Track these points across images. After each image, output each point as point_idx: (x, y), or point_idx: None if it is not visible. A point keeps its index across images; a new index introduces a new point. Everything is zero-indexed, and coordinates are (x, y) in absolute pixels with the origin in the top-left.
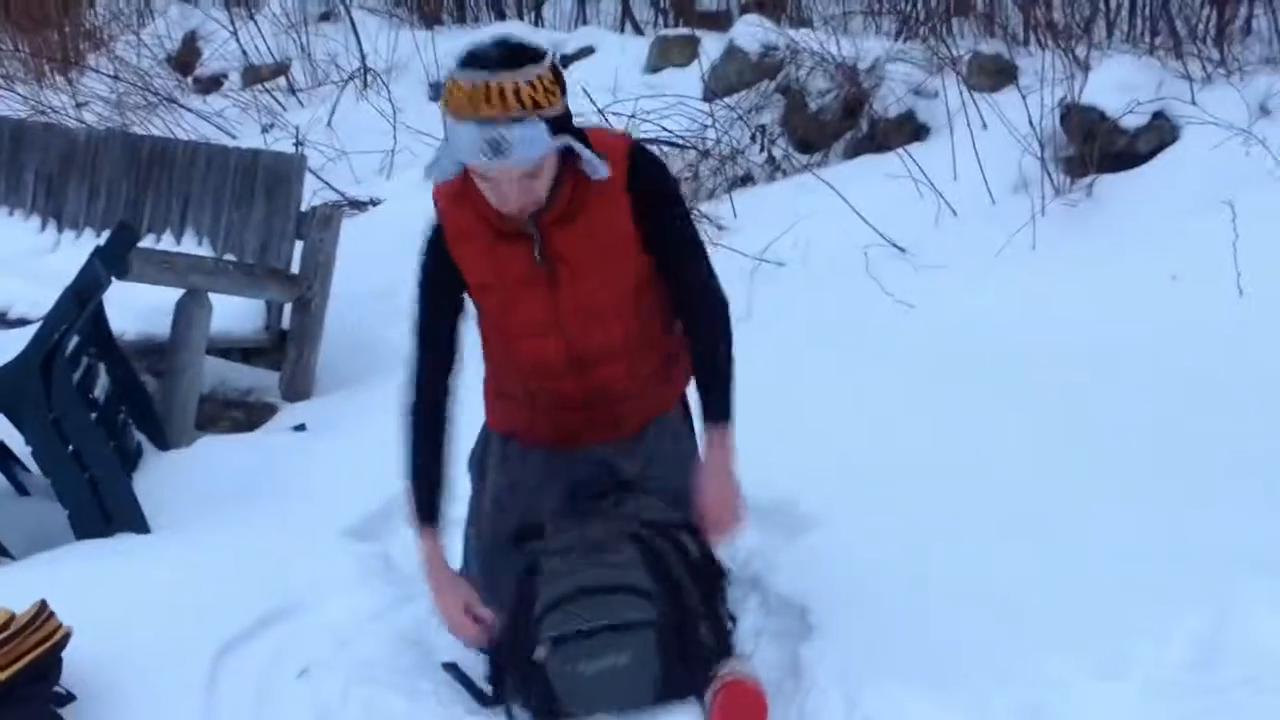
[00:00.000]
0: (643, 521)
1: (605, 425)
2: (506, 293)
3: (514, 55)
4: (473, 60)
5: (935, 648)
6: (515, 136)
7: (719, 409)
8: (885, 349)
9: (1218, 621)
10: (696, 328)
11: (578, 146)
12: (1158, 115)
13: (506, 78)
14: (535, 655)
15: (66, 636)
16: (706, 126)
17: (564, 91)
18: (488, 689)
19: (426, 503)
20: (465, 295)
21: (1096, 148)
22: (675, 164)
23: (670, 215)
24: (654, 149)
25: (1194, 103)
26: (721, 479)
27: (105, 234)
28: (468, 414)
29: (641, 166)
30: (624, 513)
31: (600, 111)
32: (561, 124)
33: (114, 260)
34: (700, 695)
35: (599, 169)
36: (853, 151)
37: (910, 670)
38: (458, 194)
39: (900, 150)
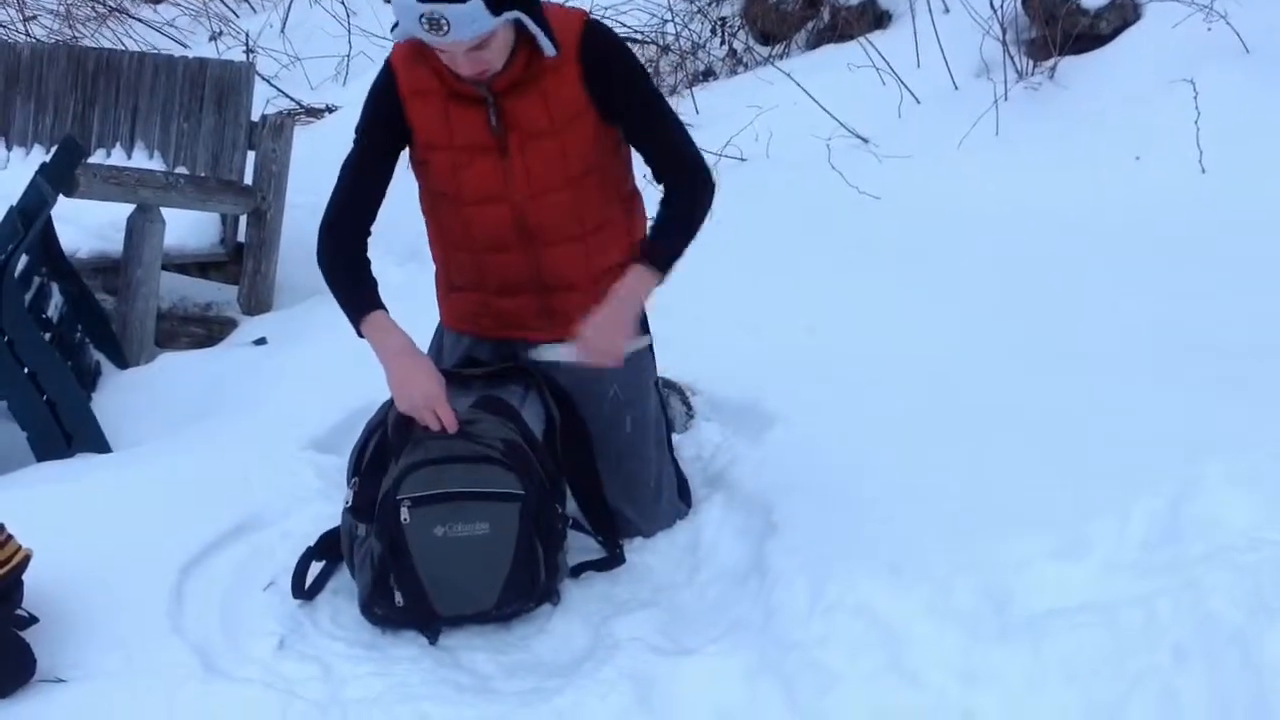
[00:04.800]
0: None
1: (556, 319)
2: (457, 155)
3: None
4: None
5: (897, 536)
6: (453, 16)
7: (656, 253)
8: (850, 242)
9: (1176, 499)
10: (671, 191)
11: (527, 22)
12: None
13: None
14: (400, 518)
15: (27, 559)
16: (666, 21)
17: None
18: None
19: (372, 293)
20: (402, 150)
21: (1059, 29)
22: None
23: (627, 85)
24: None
25: None
26: (617, 309)
27: (54, 150)
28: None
29: (593, 39)
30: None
31: None
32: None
33: (59, 177)
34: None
35: (548, 47)
36: (814, 42)
37: (873, 560)
38: (416, 51)
39: (862, 39)
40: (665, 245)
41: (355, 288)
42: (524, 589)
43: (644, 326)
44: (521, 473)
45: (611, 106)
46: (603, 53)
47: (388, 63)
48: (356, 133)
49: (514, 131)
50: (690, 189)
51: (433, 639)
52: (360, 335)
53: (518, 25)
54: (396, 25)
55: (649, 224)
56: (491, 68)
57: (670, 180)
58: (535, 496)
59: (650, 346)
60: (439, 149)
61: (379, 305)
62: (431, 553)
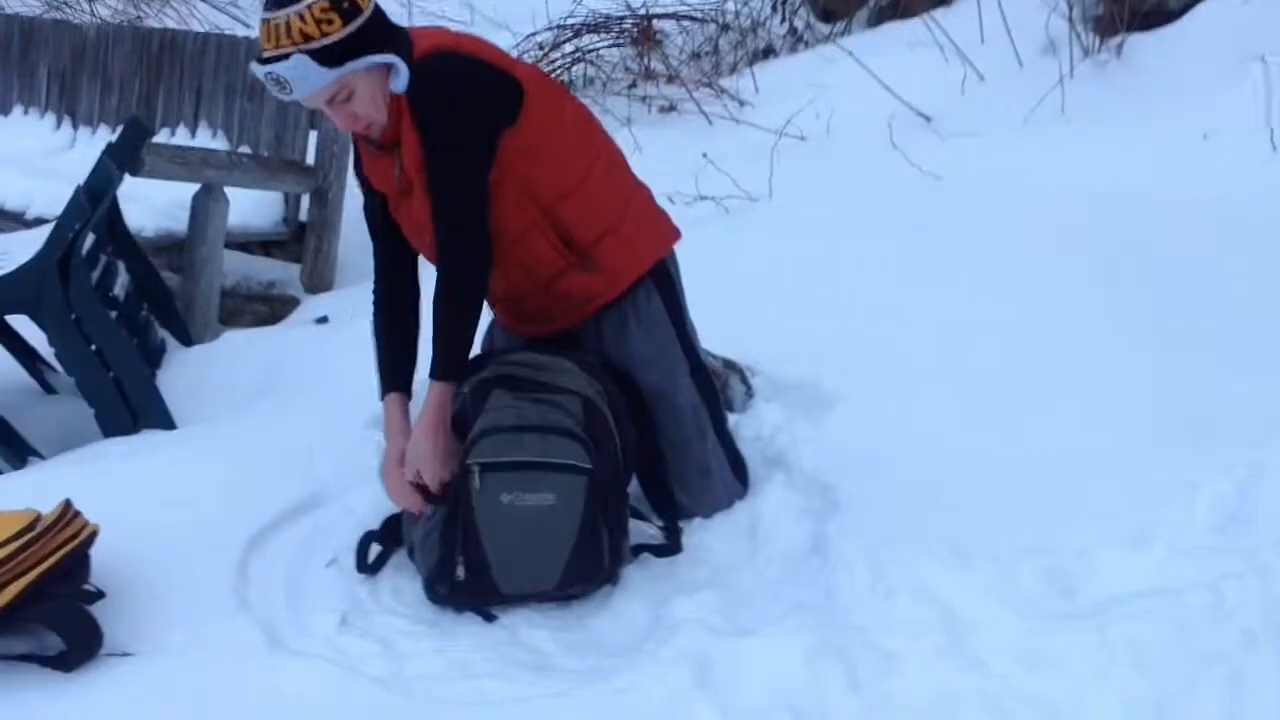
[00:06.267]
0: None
1: (538, 318)
2: (390, 202)
3: None
4: (266, 2)
5: (959, 519)
6: (286, 74)
7: (433, 364)
8: (911, 222)
9: (1244, 484)
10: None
11: (379, 59)
12: None
13: (278, 15)
14: (470, 484)
15: (93, 534)
16: None
17: (349, 14)
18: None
19: (389, 370)
20: None
21: (1126, 6)
22: (695, 38)
23: (427, 128)
24: (673, 22)
25: None
26: (414, 444)
27: (121, 129)
28: None
29: (417, 78)
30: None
31: None
32: (353, 46)
33: (125, 157)
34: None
35: (399, 82)
36: (876, 19)
37: (935, 542)
38: None
39: (925, 16)
40: (437, 352)
41: (383, 364)
42: (586, 571)
43: (679, 315)
44: (593, 446)
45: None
46: (420, 92)
47: None
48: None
49: (410, 178)
50: (442, 278)
51: (489, 617)
52: None
53: (384, 72)
54: None
55: (635, 203)
56: (371, 121)
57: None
58: (604, 473)
59: (687, 335)
60: (384, 196)
61: (396, 387)
62: (496, 520)
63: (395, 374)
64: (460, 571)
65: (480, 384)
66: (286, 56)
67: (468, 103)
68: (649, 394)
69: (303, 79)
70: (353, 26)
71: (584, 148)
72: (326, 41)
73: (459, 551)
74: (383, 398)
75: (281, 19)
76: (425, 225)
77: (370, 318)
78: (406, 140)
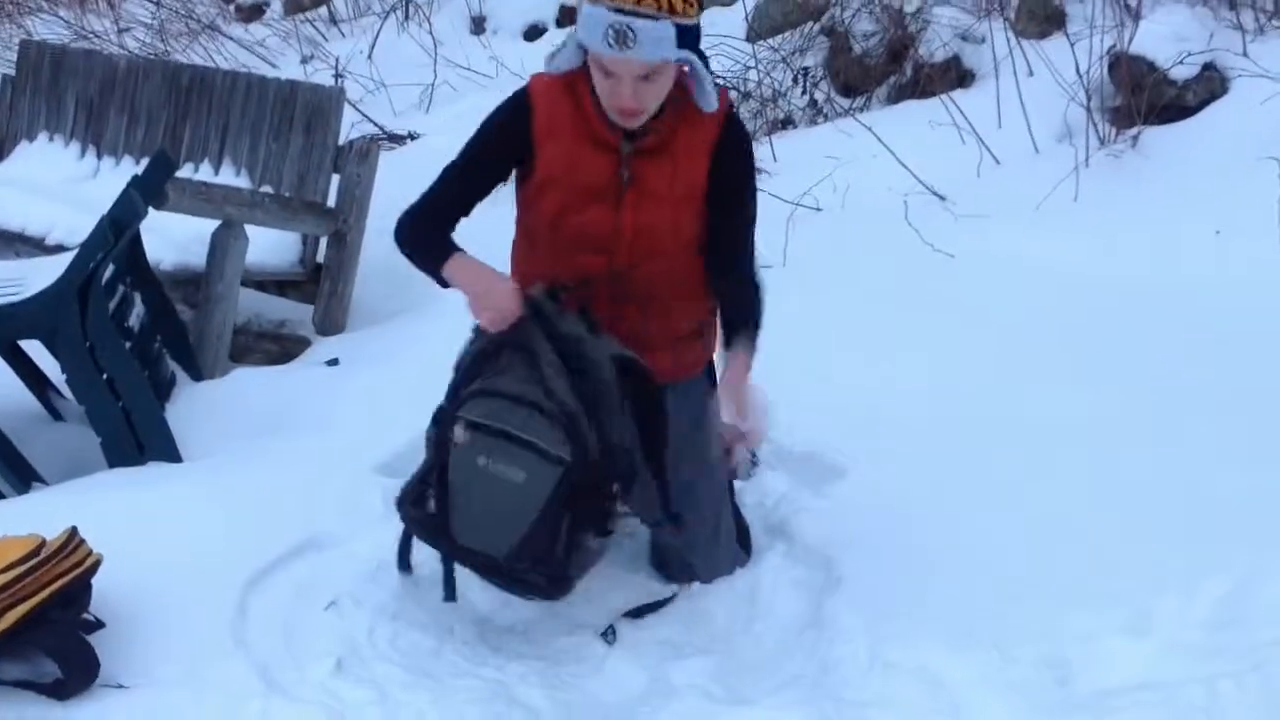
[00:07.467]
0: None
1: None
2: (572, 197)
3: None
4: None
5: (960, 600)
6: (643, 32)
7: (745, 346)
8: (922, 299)
9: (1245, 582)
10: (734, 295)
11: (700, 69)
12: (1208, 67)
13: None
14: (454, 437)
15: (97, 563)
16: (749, 68)
17: (701, 7)
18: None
19: (450, 244)
20: (508, 176)
21: (1144, 98)
22: None
23: (738, 186)
24: None
25: (1245, 55)
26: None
27: (145, 162)
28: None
29: (732, 131)
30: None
31: None
32: (695, 36)
33: (150, 190)
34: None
35: (711, 100)
36: (896, 96)
37: (934, 622)
38: (564, 85)
39: (944, 96)
40: (752, 343)
41: (435, 245)
42: (538, 554)
43: (713, 378)
44: (576, 442)
45: (718, 196)
46: (736, 148)
47: (527, 92)
48: (470, 144)
49: (633, 188)
50: (755, 298)
51: (450, 594)
52: (445, 285)
53: (681, 75)
54: (556, 55)
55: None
56: (645, 110)
57: (730, 284)
58: (582, 470)
59: (715, 394)
60: (555, 189)
61: (457, 249)
62: (468, 478)
63: (452, 244)
64: (432, 504)
65: (500, 344)
66: (654, 18)
67: None
68: (680, 447)
69: (655, 44)
70: (700, 17)
71: None
72: (690, 21)
73: (433, 488)
74: (448, 260)
75: None
76: (637, 231)
77: (416, 231)
78: (685, 158)
